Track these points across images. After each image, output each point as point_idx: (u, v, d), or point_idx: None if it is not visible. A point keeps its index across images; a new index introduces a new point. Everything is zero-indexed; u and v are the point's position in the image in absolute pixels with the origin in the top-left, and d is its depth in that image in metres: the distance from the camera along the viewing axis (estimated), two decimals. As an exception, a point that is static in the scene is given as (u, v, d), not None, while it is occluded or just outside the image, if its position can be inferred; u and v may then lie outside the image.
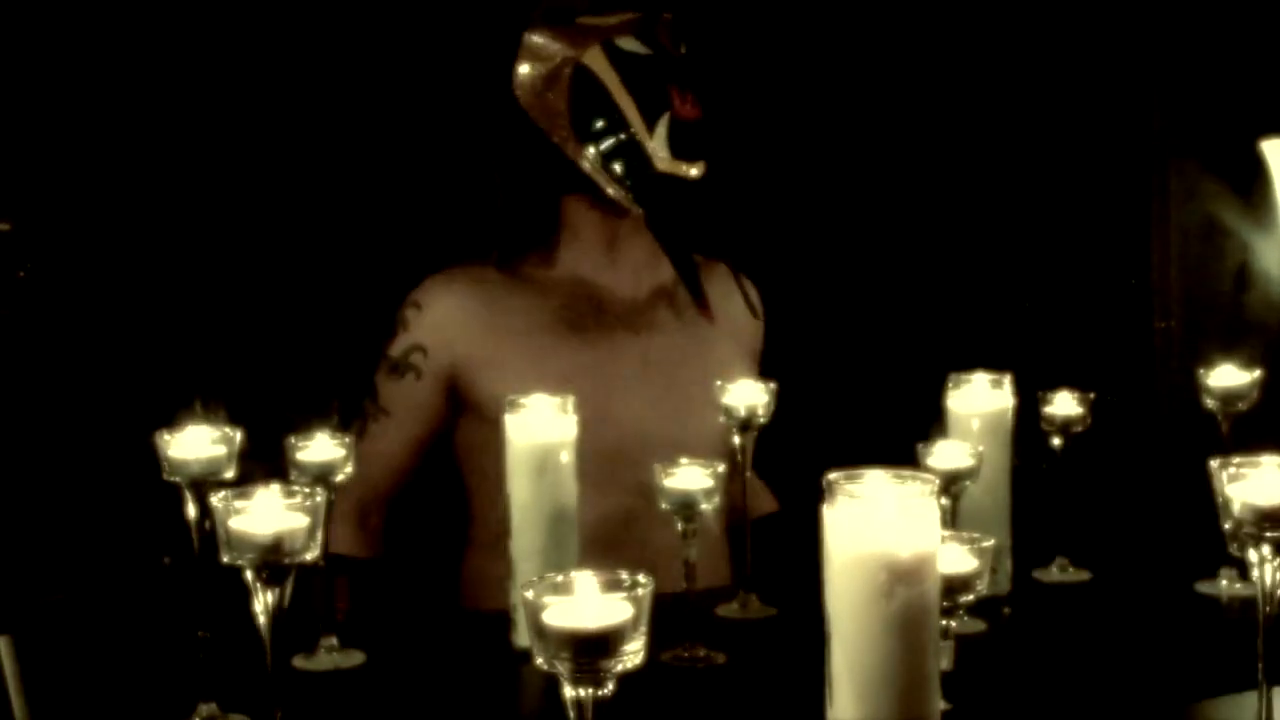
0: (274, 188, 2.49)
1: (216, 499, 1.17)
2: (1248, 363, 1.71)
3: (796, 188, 2.84)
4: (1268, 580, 1.16)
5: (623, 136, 1.88)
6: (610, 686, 0.96)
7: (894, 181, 2.87)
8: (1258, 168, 2.51)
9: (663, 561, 1.47)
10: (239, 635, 1.20)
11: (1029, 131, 2.87)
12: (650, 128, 1.88)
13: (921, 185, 2.88)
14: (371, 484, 1.87)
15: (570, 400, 1.51)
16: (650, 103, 1.88)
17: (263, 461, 1.44)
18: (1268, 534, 1.14)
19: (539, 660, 0.97)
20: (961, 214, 2.89)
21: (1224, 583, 1.68)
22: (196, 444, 1.32)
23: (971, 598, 1.24)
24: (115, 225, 2.43)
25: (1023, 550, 1.71)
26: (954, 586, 1.21)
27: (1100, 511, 1.82)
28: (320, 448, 1.49)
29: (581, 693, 0.96)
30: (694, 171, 1.89)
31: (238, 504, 1.16)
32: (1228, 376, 1.70)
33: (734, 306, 2.03)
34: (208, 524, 1.23)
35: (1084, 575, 1.75)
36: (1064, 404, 1.75)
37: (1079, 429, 1.75)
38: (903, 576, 0.95)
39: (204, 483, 1.30)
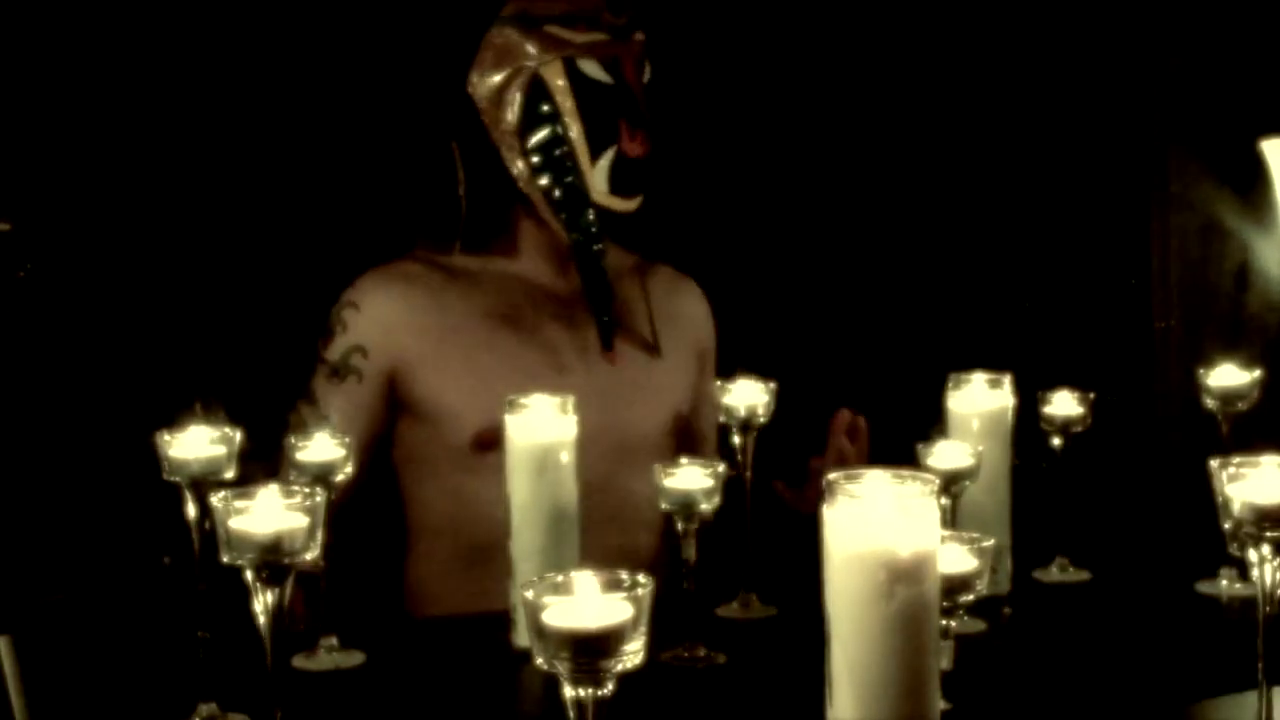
0: (273, 188, 2.49)
1: (216, 499, 1.17)
2: (1248, 363, 1.72)
3: (797, 188, 2.84)
4: (1268, 580, 1.16)
5: (567, 162, 1.86)
6: (610, 686, 0.96)
7: (894, 182, 2.87)
8: (1258, 168, 2.51)
9: (610, 560, 1.46)
10: (239, 635, 1.20)
11: (1029, 132, 2.87)
12: (594, 158, 1.86)
13: (922, 186, 2.88)
14: None
15: (570, 400, 1.51)
16: (599, 134, 1.86)
17: (263, 461, 1.44)
18: (1268, 534, 1.14)
19: (539, 660, 0.97)
20: (961, 214, 2.89)
21: (1224, 583, 1.68)
22: (196, 444, 1.32)
23: (971, 598, 1.24)
24: (115, 225, 2.43)
25: (1023, 550, 1.71)
26: (954, 586, 1.21)
27: (1100, 511, 1.82)
28: (320, 448, 1.49)
29: (581, 693, 0.96)
30: (630, 206, 1.89)
31: (238, 504, 1.16)
32: (1228, 376, 1.70)
33: (678, 307, 2.03)
34: (208, 524, 1.23)
35: (1084, 575, 1.75)
36: (1064, 404, 1.75)
37: (1079, 429, 1.75)
38: (902, 576, 0.95)
39: (204, 483, 1.30)
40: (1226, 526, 1.17)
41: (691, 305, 2.09)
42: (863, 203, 2.87)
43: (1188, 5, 2.81)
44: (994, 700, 1.36)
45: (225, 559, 1.16)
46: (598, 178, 1.87)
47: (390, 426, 1.89)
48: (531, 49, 1.87)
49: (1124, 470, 2.56)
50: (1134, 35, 2.85)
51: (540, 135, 1.86)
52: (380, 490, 1.93)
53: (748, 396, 1.63)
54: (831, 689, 0.98)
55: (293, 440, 1.49)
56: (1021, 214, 2.89)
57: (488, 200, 1.92)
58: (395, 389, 1.87)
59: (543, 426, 1.49)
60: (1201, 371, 1.71)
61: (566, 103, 1.86)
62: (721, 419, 1.65)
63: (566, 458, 1.49)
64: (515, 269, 1.95)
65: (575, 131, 1.86)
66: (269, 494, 1.17)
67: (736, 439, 1.64)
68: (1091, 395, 1.76)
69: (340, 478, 1.48)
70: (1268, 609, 1.17)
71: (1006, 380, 1.70)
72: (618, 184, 1.87)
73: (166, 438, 1.32)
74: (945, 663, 1.18)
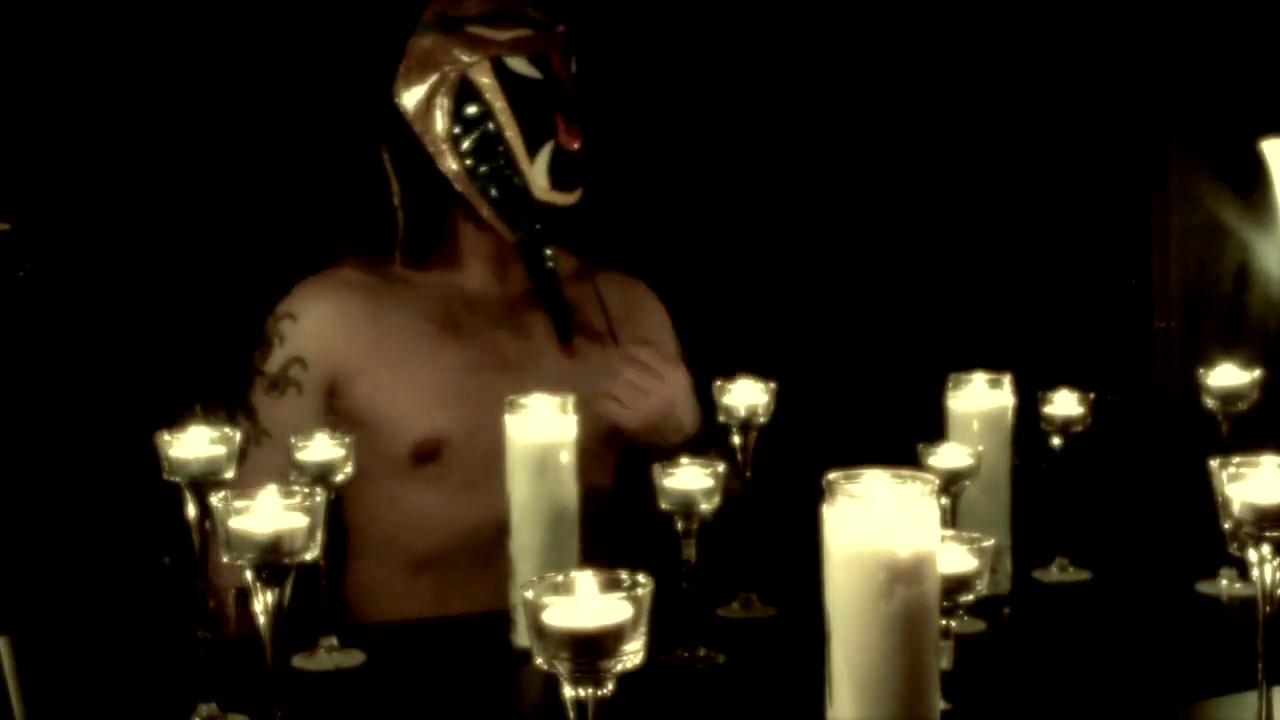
0: (274, 188, 2.49)
1: (216, 499, 1.17)
2: (1248, 363, 1.71)
3: (798, 189, 2.84)
4: (1268, 580, 1.16)
5: (502, 161, 1.84)
6: (610, 686, 0.96)
7: (895, 182, 2.88)
8: (1258, 168, 2.51)
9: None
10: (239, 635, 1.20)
11: (1029, 132, 2.87)
12: (532, 155, 1.84)
13: (922, 186, 2.88)
14: None
15: (570, 400, 1.50)
16: (535, 130, 1.84)
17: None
18: (1268, 534, 1.14)
19: (539, 660, 0.97)
20: (961, 214, 2.89)
21: (1224, 583, 1.68)
22: (196, 444, 1.32)
23: (971, 598, 1.24)
24: (115, 225, 2.43)
25: (1023, 550, 1.71)
26: (954, 586, 1.21)
27: (1100, 511, 1.82)
28: (320, 448, 1.49)
29: (581, 693, 0.96)
30: (571, 200, 1.87)
31: (238, 504, 1.16)
32: (1228, 376, 1.70)
33: (631, 307, 2.01)
34: (208, 524, 1.23)
35: (1084, 575, 1.75)
36: (1064, 404, 1.75)
37: (1079, 429, 1.75)
38: (902, 576, 0.95)
39: (204, 483, 1.30)
40: (1226, 526, 1.17)
41: (645, 304, 2.06)
42: (863, 203, 2.87)
43: (1188, 5, 2.81)
44: (994, 700, 1.36)
45: (225, 559, 1.16)
46: (537, 174, 1.84)
47: None
48: (456, 52, 1.84)
49: (1124, 470, 2.56)
50: (1134, 35, 2.85)
51: (474, 137, 1.84)
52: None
53: (748, 396, 1.63)
54: (831, 689, 0.98)
55: (294, 440, 1.49)
56: (1021, 214, 2.89)
57: (425, 208, 1.90)
58: (334, 400, 1.83)
59: (543, 426, 1.49)
60: (1201, 371, 1.71)
61: (498, 102, 1.83)
62: (721, 419, 1.65)
63: (566, 458, 1.49)
64: (455, 277, 1.92)
65: (511, 130, 1.83)
66: (269, 494, 1.17)
67: (736, 439, 1.64)
68: (1091, 395, 1.75)
69: (340, 478, 1.48)
70: (1268, 609, 1.17)
71: (1006, 380, 1.70)
72: (558, 178, 1.85)
73: (166, 438, 1.32)
74: (945, 663, 1.18)
